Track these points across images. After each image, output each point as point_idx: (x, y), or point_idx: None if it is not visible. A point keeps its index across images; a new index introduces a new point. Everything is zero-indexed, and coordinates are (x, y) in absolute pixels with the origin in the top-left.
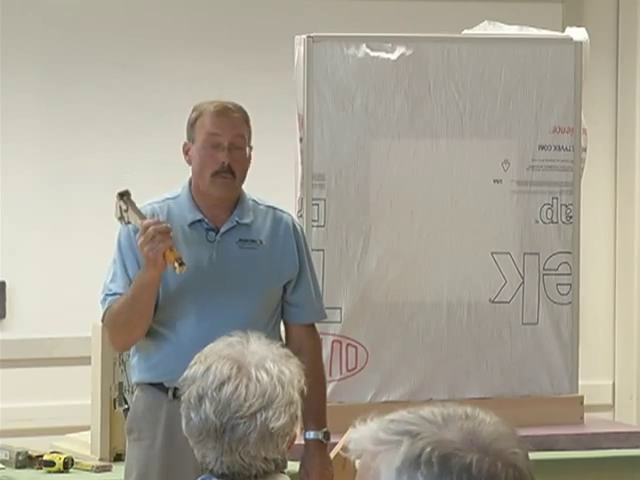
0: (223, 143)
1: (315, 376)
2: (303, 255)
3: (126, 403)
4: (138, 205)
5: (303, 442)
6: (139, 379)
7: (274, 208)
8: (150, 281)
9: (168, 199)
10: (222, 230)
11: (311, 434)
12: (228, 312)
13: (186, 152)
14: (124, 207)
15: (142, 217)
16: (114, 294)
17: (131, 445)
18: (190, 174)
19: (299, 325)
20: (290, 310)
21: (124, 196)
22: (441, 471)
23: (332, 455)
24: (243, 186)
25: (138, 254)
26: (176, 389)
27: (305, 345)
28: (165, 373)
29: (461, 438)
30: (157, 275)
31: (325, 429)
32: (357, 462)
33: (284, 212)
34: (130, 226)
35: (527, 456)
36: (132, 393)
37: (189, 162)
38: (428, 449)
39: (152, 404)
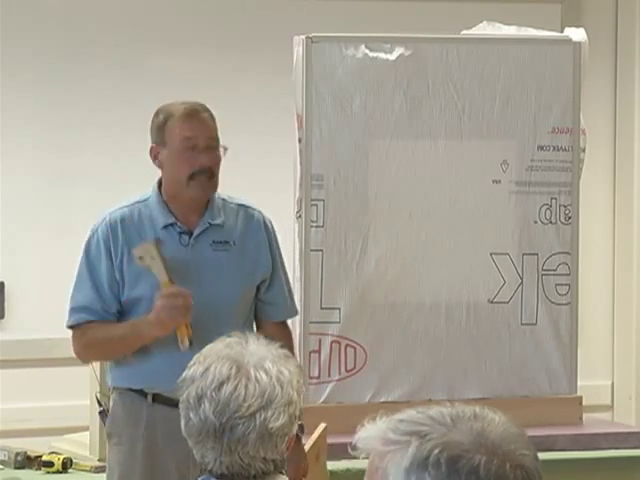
0: (199, 145)
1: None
2: (275, 253)
3: (100, 405)
4: (111, 208)
5: None
6: (117, 384)
7: (245, 206)
8: (149, 338)
9: (138, 202)
10: (195, 233)
11: None
12: (205, 316)
13: (155, 156)
14: (153, 254)
15: (171, 279)
16: (83, 308)
17: (112, 449)
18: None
19: (271, 322)
20: (264, 308)
21: (159, 245)
22: (449, 472)
23: (307, 448)
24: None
25: (109, 264)
26: (155, 394)
27: (277, 341)
28: (145, 381)
29: (470, 439)
30: (158, 335)
31: (300, 422)
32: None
33: (254, 209)
34: (141, 266)
35: (536, 457)
36: (107, 396)
37: (159, 166)
38: (436, 450)
39: (131, 408)
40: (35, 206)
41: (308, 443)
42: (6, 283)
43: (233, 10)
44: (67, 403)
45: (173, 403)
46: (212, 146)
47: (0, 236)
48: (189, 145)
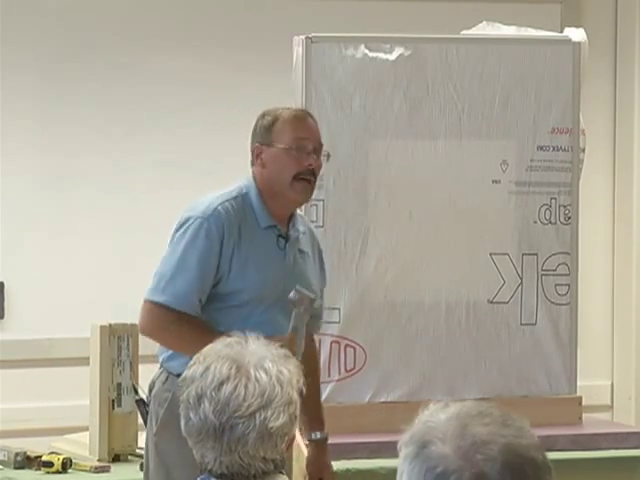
0: (308, 147)
1: (318, 376)
2: (324, 266)
3: (137, 393)
4: (211, 198)
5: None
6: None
7: (301, 216)
8: None
9: (239, 196)
10: (291, 238)
11: (317, 434)
12: (286, 323)
13: (257, 155)
14: (306, 308)
15: (296, 334)
16: (184, 295)
17: (164, 436)
18: (253, 177)
19: (317, 331)
20: (312, 321)
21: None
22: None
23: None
24: None
25: (218, 256)
26: None
27: (308, 351)
28: None
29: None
30: None
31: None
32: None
33: (306, 221)
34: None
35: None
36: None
37: (261, 165)
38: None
39: None
40: (35, 206)
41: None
42: (6, 283)
43: (233, 10)
44: (67, 403)
45: None
46: (319, 150)
47: (0, 236)
48: (300, 145)
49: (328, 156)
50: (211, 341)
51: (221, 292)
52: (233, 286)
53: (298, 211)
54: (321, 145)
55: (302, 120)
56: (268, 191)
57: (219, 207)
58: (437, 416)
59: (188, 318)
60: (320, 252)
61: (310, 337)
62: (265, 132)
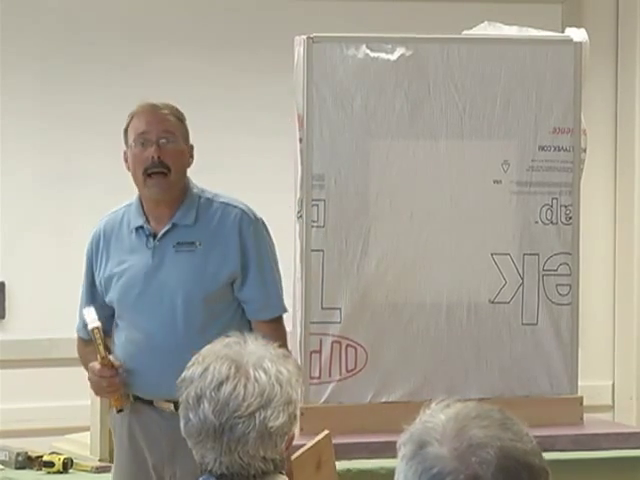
0: (151, 139)
1: None
2: (249, 251)
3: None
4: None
5: None
6: None
7: (227, 204)
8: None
9: (127, 206)
10: (159, 235)
11: None
12: (169, 319)
13: (125, 159)
14: (99, 341)
15: (101, 356)
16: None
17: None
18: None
19: (259, 321)
20: (244, 307)
21: (92, 332)
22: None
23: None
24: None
25: (91, 273)
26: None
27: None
28: (127, 386)
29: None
30: None
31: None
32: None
33: (237, 207)
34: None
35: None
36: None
37: (128, 168)
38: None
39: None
40: (36, 206)
41: (304, 449)
42: (7, 283)
43: (234, 10)
44: (67, 403)
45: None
46: (168, 140)
47: (0, 236)
48: (142, 140)
49: (191, 149)
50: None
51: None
52: (108, 298)
53: (207, 199)
54: (170, 133)
55: (142, 114)
56: (139, 192)
57: (98, 226)
58: (436, 416)
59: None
60: (239, 237)
61: (264, 324)
62: (124, 135)
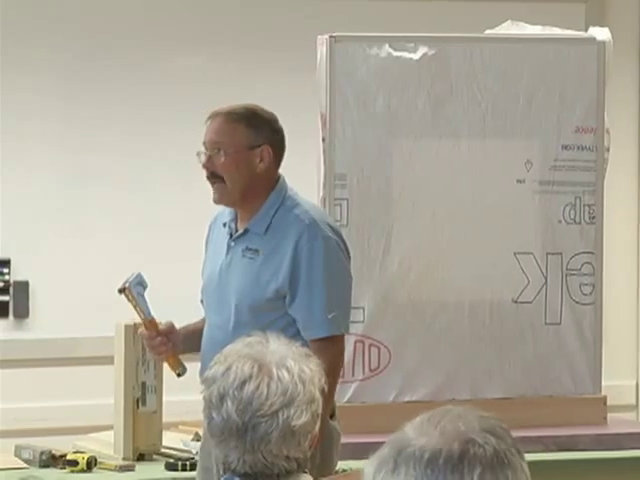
0: (205, 150)
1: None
2: (301, 268)
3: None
4: None
5: None
6: None
7: (298, 216)
8: None
9: None
10: (235, 236)
11: None
12: (223, 322)
13: None
14: (132, 302)
15: (143, 318)
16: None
17: None
18: None
19: (310, 340)
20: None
21: (122, 292)
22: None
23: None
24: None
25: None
26: None
27: None
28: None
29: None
30: None
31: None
32: None
33: (304, 221)
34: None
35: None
36: None
37: None
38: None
39: None
40: (58, 206)
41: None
42: (30, 282)
43: (255, 10)
44: (91, 402)
45: None
46: (210, 150)
47: (24, 235)
48: (203, 150)
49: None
50: None
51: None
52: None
53: (285, 208)
54: (213, 143)
55: (207, 121)
56: None
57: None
58: (404, 429)
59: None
60: (293, 254)
61: (312, 343)
62: None
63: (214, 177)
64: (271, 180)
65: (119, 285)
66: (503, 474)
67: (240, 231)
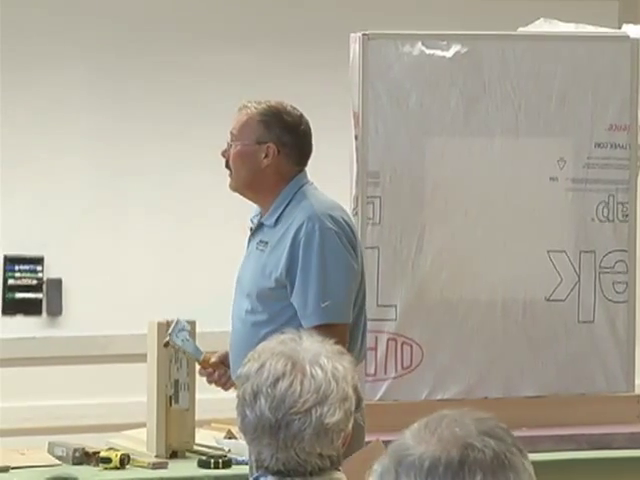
0: (228, 140)
1: None
2: (297, 259)
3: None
4: None
5: None
6: None
7: (302, 209)
8: None
9: None
10: (253, 231)
11: None
12: (240, 312)
13: None
14: (180, 351)
15: (195, 360)
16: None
17: None
18: None
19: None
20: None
21: (167, 346)
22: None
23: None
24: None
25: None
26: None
27: None
28: None
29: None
30: None
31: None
32: None
33: (306, 214)
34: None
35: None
36: None
37: None
38: None
39: None
40: (91, 203)
41: (355, 454)
42: (63, 280)
43: (289, 7)
44: (124, 400)
45: None
46: (230, 139)
47: (58, 233)
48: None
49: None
50: None
51: None
52: None
53: (295, 202)
54: (232, 134)
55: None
56: None
57: None
58: (401, 438)
59: None
60: (288, 245)
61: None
62: None
63: (228, 166)
64: (284, 176)
65: (164, 339)
66: (504, 477)
67: (256, 225)
